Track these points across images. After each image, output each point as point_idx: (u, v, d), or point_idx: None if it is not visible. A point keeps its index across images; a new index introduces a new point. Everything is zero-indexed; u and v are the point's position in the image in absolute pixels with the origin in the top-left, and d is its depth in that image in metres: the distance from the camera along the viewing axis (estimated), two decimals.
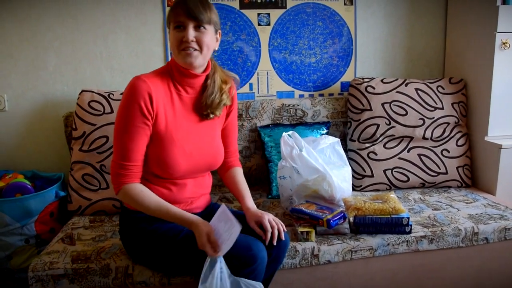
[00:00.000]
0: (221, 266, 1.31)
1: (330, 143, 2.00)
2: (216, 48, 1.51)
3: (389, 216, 1.75)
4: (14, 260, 1.97)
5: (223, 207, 1.37)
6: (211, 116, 1.53)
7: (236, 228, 1.29)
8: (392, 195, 1.86)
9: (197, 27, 1.39)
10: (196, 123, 1.53)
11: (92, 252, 1.63)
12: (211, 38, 1.43)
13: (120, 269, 1.55)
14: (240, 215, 1.55)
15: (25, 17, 2.21)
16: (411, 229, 1.78)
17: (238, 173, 1.68)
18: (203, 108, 1.52)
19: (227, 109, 1.64)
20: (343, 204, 1.87)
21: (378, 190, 2.32)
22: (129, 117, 1.39)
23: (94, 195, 2.03)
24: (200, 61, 1.43)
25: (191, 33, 1.38)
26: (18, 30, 2.22)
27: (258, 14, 2.42)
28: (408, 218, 1.76)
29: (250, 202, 1.56)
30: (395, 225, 1.76)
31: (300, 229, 1.72)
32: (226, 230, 1.32)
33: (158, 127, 1.44)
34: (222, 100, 1.54)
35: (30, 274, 1.53)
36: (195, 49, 1.40)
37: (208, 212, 1.61)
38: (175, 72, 1.48)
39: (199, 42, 1.40)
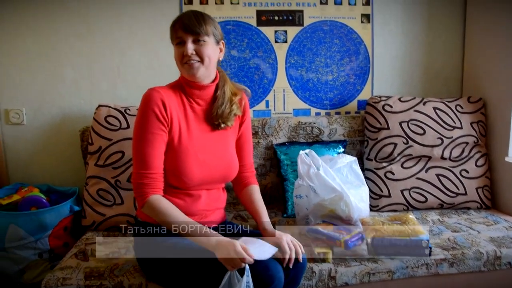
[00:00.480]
0: (247, 280, 1.26)
1: (347, 162, 1.97)
2: (221, 59, 1.57)
3: (408, 238, 1.71)
4: (27, 275, 1.95)
5: (243, 238, 1.38)
6: (223, 125, 1.56)
7: (269, 246, 1.33)
8: (411, 216, 1.81)
9: (196, 41, 1.45)
10: (209, 133, 1.55)
11: (106, 269, 1.61)
12: (212, 49, 1.48)
13: (133, 287, 1.52)
14: (257, 234, 1.52)
15: (43, 32, 2.24)
16: (430, 251, 1.73)
17: (255, 191, 1.66)
18: (214, 118, 1.54)
19: (239, 120, 1.65)
20: (360, 225, 1.83)
21: (395, 211, 2.27)
22: (145, 124, 1.43)
23: (109, 211, 2.01)
24: (203, 71, 1.48)
25: (190, 46, 1.44)
26: (37, 45, 2.24)
27: (275, 31, 2.42)
28: (428, 240, 1.71)
29: (267, 222, 1.54)
30: (415, 248, 1.71)
31: (317, 250, 1.68)
32: (257, 247, 1.31)
33: (172, 136, 1.47)
34: (232, 110, 1.56)
35: None
36: (197, 61, 1.46)
37: (222, 230, 1.58)
38: (184, 86, 1.53)
39: (199, 54, 1.45)
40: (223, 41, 1.56)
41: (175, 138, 1.47)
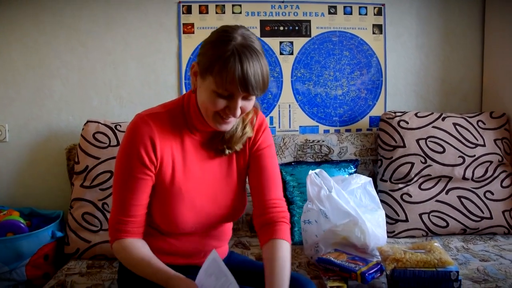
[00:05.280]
0: None
1: (362, 183, 1.77)
2: None
3: (434, 269, 1.49)
4: None
5: (213, 254, 1.08)
6: (227, 152, 1.27)
7: (233, 287, 1.00)
8: (436, 244, 1.60)
9: (246, 96, 1.13)
10: (209, 164, 1.27)
11: None
12: (254, 101, 1.19)
13: None
14: (244, 269, 1.31)
15: (32, 44, 2.10)
16: (460, 284, 1.51)
17: (281, 248, 1.21)
18: (218, 143, 1.27)
19: (250, 143, 1.32)
20: (378, 254, 1.63)
21: (413, 237, 2.06)
22: (128, 167, 1.17)
23: (94, 237, 1.82)
24: (235, 124, 1.23)
25: (239, 104, 1.12)
26: (25, 57, 2.10)
27: (281, 43, 2.26)
28: (458, 272, 1.49)
29: None
30: (442, 280, 1.49)
31: (330, 284, 1.47)
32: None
33: (163, 177, 1.20)
34: (245, 133, 1.27)
35: None
36: (235, 117, 1.16)
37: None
38: (194, 119, 1.22)
39: (242, 111, 1.15)
40: None
41: (166, 179, 1.20)
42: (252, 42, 1.10)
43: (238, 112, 1.13)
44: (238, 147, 1.29)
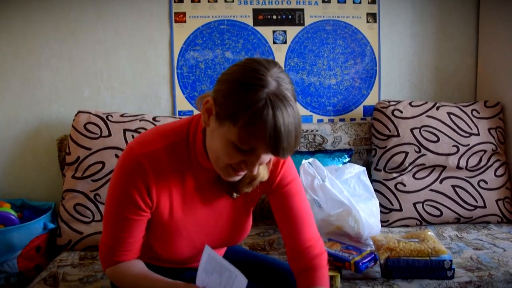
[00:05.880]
0: None
1: (355, 173, 1.76)
2: None
3: (428, 258, 1.49)
4: None
5: (208, 251, 0.99)
6: (234, 195, 1.13)
7: (239, 279, 0.92)
8: (430, 233, 1.60)
9: None
10: (212, 203, 1.14)
11: None
12: None
13: None
14: (240, 260, 1.27)
15: (20, 33, 2.05)
16: (453, 273, 1.51)
17: None
18: (225, 184, 1.11)
19: (266, 181, 1.12)
20: (371, 243, 1.62)
21: (407, 226, 2.06)
22: (120, 207, 1.05)
23: (86, 228, 1.79)
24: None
25: (260, 160, 0.96)
26: (12, 46, 2.05)
27: (274, 32, 2.23)
28: (451, 260, 1.49)
29: None
30: (435, 269, 1.50)
31: None
32: (223, 285, 0.95)
33: (159, 215, 1.08)
34: (258, 176, 1.07)
35: None
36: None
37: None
38: (199, 156, 1.05)
39: (260, 164, 1.00)
40: None
41: (164, 217, 1.09)
42: (287, 89, 0.91)
43: (256, 169, 0.97)
44: (248, 190, 1.11)
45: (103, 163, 1.82)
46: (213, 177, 1.10)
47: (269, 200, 1.19)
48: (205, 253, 0.99)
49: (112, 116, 1.92)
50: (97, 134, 1.86)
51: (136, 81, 2.17)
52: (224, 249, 1.35)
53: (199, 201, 1.12)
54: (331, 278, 1.45)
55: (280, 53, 2.25)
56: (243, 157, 0.94)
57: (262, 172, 1.07)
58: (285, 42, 2.25)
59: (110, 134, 1.86)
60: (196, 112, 2.19)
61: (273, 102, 0.87)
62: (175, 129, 1.07)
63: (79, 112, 1.94)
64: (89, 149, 1.84)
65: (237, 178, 1.01)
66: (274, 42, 2.24)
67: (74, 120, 1.91)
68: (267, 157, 0.96)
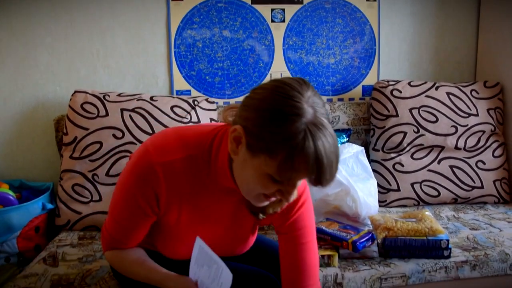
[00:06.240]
0: None
1: (354, 152, 1.76)
2: None
3: (425, 238, 1.50)
4: None
5: (199, 242, 0.98)
6: (261, 216, 1.08)
7: (225, 273, 0.92)
8: (427, 213, 1.61)
9: None
10: (223, 217, 1.11)
11: (76, 276, 1.39)
12: None
13: None
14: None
15: (14, 11, 2.00)
16: (450, 253, 1.53)
17: None
18: (250, 206, 1.07)
19: (282, 213, 1.08)
20: (369, 223, 1.63)
21: (404, 206, 2.07)
22: (128, 210, 1.04)
23: (85, 208, 1.79)
24: None
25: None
26: (6, 25, 2.01)
27: (272, 10, 2.20)
28: (448, 240, 1.51)
29: None
30: (432, 249, 1.51)
31: (321, 253, 1.46)
32: (212, 278, 0.95)
33: (166, 221, 1.07)
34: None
35: None
36: None
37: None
38: (220, 177, 1.01)
39: None
40: None
41: (169, 223, 1.07)
42: (323, 114, 0.86)
43: (292, 196, 0.93)
44: (277, 209, 1.05)
45: (101, 143, 1.81)
46: (235, 199, 1.07)
47: (278, 237, 1.14)
48: (197, 244, 0.98)
49: (109, 96, 1.90)
50: (94, 114, 1.85)
51: (133, 60, 2.14)
52: None
53: (208, 217, 1.09)
54: (329, 257, 1.46)
55: (278, 32, 2.22)
56: (279, 187, 0.90)
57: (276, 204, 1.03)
58: (283, 21, 2.22)
59: (107, 114, 1.84)
60: (194, 92, 2.18)
61: (312, 132, 0.83)
62: (197, 140, 1.02)
63: (75, 92, 1.91)
64: (86, 129, 1.83)
65: (268, 203, 0.98)
66: (273, 21, 2.21)
67: (70, 100, 1.89)
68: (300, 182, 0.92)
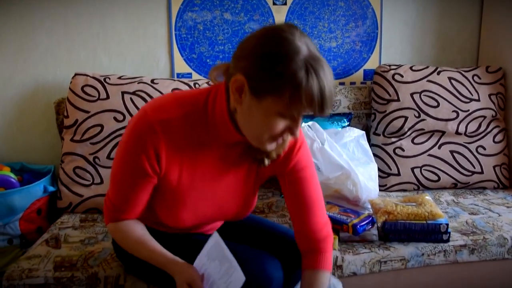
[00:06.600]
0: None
1: (355, 137, 1.76)
2: None
3: (424, 222, 1.51)
4: None
5: (216, 237, 1.00)
6: (266, 162, 1.11)
7: (237, 275, 0.93)
8: (427, 197, 1.62)
9: None
10: (223, 176, 1.13)
11: (79, 258, 1.41)
12: None
13: (109, 279, 1.32)
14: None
15: None
16: (449, 236, 1.54)
17: (322, 279, 1.14)
18: (256, 152, 1.09)
19: (280, 160, 1.13)
20: (369, 207, 1.64)
21: (404, 190, 2.08)
22: (128, 169, 1.05)
23: (87, 191, 1.80)
24: None
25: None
26: (5, 6, 1.98)
27: None
28: (447, 224, 1.52)
29: None
30: (431, 232, 1.52)
31: None
32: (221, 275, 0.95)
33: (167, 182, 1.08)
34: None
35: (4, 283, 1.31)
36: None
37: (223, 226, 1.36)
38: (219, 129, 1.04)
39: None
40: None
41: (171, 185, 1.08)
42: (315, 48, 0.93)
43: (298, 135, 0.99)
44: (280, 152, 1.10)
45: (102, 126, 1.81)
46: (229, 149, 1.09)
47: (280, 183, 1.19)
48: (213, 238, 0.99)
49: (109, 79, 1.89)
50: (95, 96, 1.84)
51: (134, 43, 2.12)
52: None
53: (210, 174, 1.11)
54: None
55: (280, 15, 2.20)
56: (287, 124, 0.95)
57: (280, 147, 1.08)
58: (285, 4, 2.20)
59: (108, 97, 1.84)
60: (195, 75, 2.17)
61: (313, 66, 0.88)
62: (192, 98, 1.05)
63: (76, 74, 1.90)
64: (87, 112, 1.82)
65: (275, 145, 1.01)
66: (274, 4, 2.19)
67: (71, 82, 1.88)
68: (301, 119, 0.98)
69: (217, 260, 0.98)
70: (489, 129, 2.13)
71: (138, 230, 1.12)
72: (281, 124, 0.94)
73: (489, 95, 2.14)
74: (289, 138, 1.02)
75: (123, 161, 1.06)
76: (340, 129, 1.91)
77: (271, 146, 1.00)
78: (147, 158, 1.01)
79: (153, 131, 1.00)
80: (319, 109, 0.90)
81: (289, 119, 0.94)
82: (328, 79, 0.90)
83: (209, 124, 1.04)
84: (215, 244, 0.99)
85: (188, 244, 1.19)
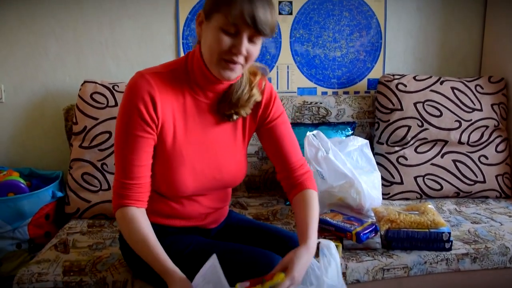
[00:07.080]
0: None
1: (358, 145, 1.78)
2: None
3: (427, 230, 1.53)
4: (4, 267, 1.78)
5: (213, 260, 1.01)
6: (235, 117, 1.24)
7: None
8: (430, 206, 1.64)
9: (252, 37, 1.08)
10: (213, 129, 1.24)
11: (87, 263, 1.44)
12: (259, 49, 1.14)
13: (117, 284, 1.35)
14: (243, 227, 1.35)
15: (25, 1, 2.03)
16: (451, 245, 1.56)
17: (310, 197, 1.27)
18: (226, 107, 1.22)
19: (260, 114, 1.29)
20: (373, 215, 1.66)
21: (407, 199, 2.09)
22: (128, 124, 1.12)
23: (94, 197, 1.83)
24: (239, 74, 1.15)
25: (245, 44, 1.07)
26: (17, 14, 2.04)
27: (280, 2, 2.22)
28: (449, 233, 1.54)
29: (310, 240, 1.18)
30: (434, 241, 1.54)
31: None
32: None
33: (164, 138, 1.16)
34: (252, 95, 1.22)
35: (15, 286, 1.34)
36: (240, 63, 1.10)
37: (223, 226, 1.41)
38: (198, 76, 1.17)
39: (247, 56, 1.09)
40: None
41: (168, 141, 1.17)
42: None
43: (244, 50, 1.07)
44: (246, 112, 1.24)
45: (110, 133, 1.84)
46: (212, 102, 1.22)
47: (260, 136, 1.34)
48: (210, 260, 1.02)
49: (118, 86, 1.93)
50: (104, 104, 1.88)
51: (141, 51, 2.16)
52: (229, 196, 1.41)
53: (200, 126, 1.22)
54: None
55: (285, 24, 2.23)
56: (231, 41, 1.07)
57: (255, 93, 1.23)
58: (291, 13, 2.23)
59: (116, 104, 1.87)
60: None
61: None
62: (177, 60, 1.22)
63: (85, 82, 1.95)
64: (96, 118, 1.86)
65: (231, 73, 1.11)
66: (280, 13, 2.22)
67: (80, 90, 1.92)
68: (252, 48, 1.09)
69: (211, 284, 1.00)
70: (491, 139, 2.15)
71: (145, 226, 1.13)
72: (226, 41, 1.06)
73: (492, 105, 2.16)
74: (239, 69, 1.11)
75: (122, 116, 1.14)
76: (344, 138, 1.94)
77: (223, 68, 1.10)
78: (144, 104, 1.11)
79: (145, 79, 1.12)
80: (250, 19, 1.03)
81: (232, 37, 1.06)
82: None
83: (190, 75, 1.18)
84: (211, 267, 1.01)
85: (190, 245, 1.23)
